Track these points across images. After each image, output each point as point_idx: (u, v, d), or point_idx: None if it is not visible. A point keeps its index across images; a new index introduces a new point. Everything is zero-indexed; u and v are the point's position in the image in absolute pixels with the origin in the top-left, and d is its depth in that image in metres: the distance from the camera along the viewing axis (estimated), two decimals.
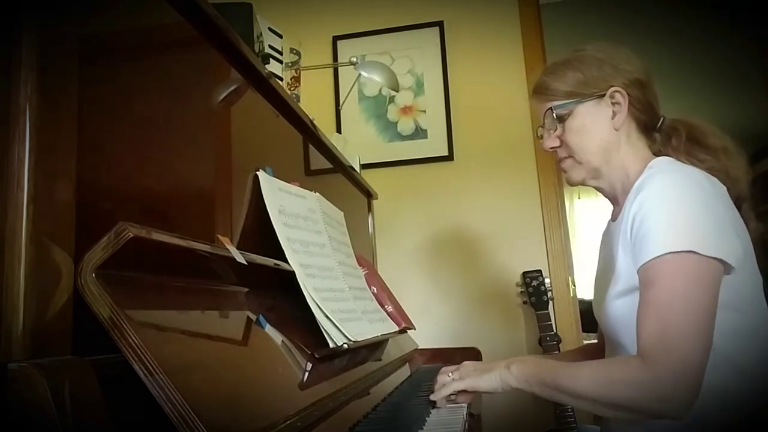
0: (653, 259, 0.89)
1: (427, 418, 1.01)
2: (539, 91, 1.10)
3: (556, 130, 1.09)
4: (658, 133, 1.09)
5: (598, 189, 1.13)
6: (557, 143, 1.09)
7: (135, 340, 0.50)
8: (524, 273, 2.21)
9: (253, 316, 0.79)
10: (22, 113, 0.51)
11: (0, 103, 0.51)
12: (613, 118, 1.05)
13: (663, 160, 1.03)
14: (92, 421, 0.46)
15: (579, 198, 5.80)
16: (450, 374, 1.08)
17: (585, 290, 2.82)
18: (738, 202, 1.01)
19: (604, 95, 1.04)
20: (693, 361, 0.82)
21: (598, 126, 1.05)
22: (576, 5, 3.06)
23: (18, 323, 0.48)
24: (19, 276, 0.49)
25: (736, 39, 3.61)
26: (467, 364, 1.09)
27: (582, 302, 2.45)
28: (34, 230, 0.50)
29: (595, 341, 1.32)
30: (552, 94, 1.08)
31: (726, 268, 0.89)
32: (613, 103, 1.04)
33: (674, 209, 0.92)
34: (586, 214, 5.62)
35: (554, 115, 1.07)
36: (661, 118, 1.09)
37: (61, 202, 0.54)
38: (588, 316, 1.40)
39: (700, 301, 0.86)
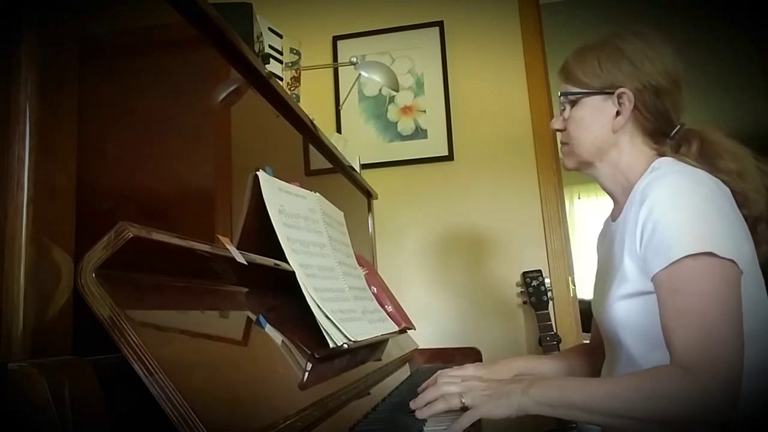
0: (673, 264, 0.87)
1: (426, 418, 1.01)
2: (562, 71, 1.10)
3: (563, 113, 1.09)
4: (671, 140, 1.06)
5: (595, 180, 1.11)
6: (562, 126, 1.10)
7: (135, 340, 0.50)
8: (524, 273, 2.20)
9: (253, 316, 0.79)
10: (22, 113, 0.51)
11: (0, 103, 0.51)
12: (615, 118, 1.03)
13: (666, 161, 1.00)
14: (92, 421, 0.46)
15: (579, 198, 5.81)
16: (462, 399, 0.89)
17: (585, 290, 2.81)
18: (756, 224, 0.98)
19: (612, 93, 1.02)
20: (736, 366, 0.81)
21: (598, 123, 1.04)
22: (576, 5, 3.05)
23: (18, 323, 0.48)
24: (19, 276, 0.49)
25: (736, 39, 3.61)
26: (475, 385, 0.92)
27: (582, 302, 2.45)
28: (34, 230, 0.50)
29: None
30: (569, 78, 1.08)
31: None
32: (620, 103, 1.02)
33: (685, 211, 0.90)
34: (586, 214, 5.64)
35: (562, 98, 1.08)
36: (677, 127, 1.05)
37: (61, 202, 0.54)
38: (588, 316, 1.40)
39: (731, 303, 0.84)
